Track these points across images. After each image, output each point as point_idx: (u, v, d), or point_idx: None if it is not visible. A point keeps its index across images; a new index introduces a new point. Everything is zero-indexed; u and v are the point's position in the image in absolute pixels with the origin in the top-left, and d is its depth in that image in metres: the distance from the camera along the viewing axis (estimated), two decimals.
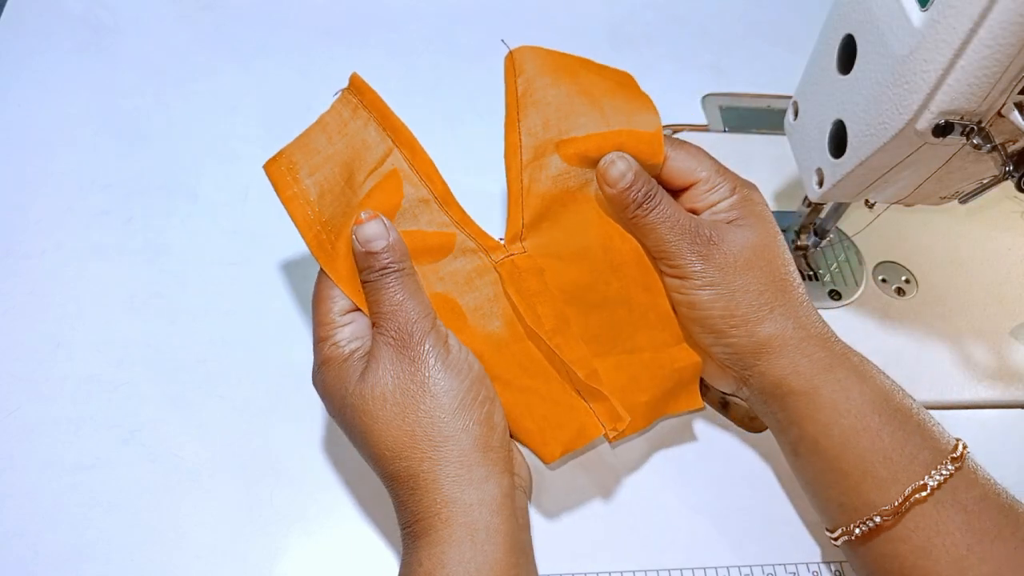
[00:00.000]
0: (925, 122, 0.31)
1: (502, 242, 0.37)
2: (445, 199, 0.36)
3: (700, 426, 0.42)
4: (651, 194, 0.37)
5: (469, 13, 0.59)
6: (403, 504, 0.32)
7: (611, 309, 0.38)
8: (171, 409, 0.39)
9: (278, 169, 0.35)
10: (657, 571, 0.37)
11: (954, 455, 0.33)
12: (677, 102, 0.56)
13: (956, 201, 0.38)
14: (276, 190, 0.35)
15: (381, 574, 0.36)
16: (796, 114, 0.41)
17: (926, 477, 0.32)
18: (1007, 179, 0.32)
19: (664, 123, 0.54)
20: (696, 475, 0.40)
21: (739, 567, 0.38)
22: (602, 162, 0.37)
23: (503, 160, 0.37)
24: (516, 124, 0.37)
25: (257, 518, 0.36)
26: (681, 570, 0.37)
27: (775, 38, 0.61)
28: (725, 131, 0.54)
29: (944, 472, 0.32)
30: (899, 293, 0.47)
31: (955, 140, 0.32)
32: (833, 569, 0.38)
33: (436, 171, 0.36)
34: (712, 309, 0.36)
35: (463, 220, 0.37)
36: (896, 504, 0.32)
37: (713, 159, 0.39)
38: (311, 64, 0.54)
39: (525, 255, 0.37)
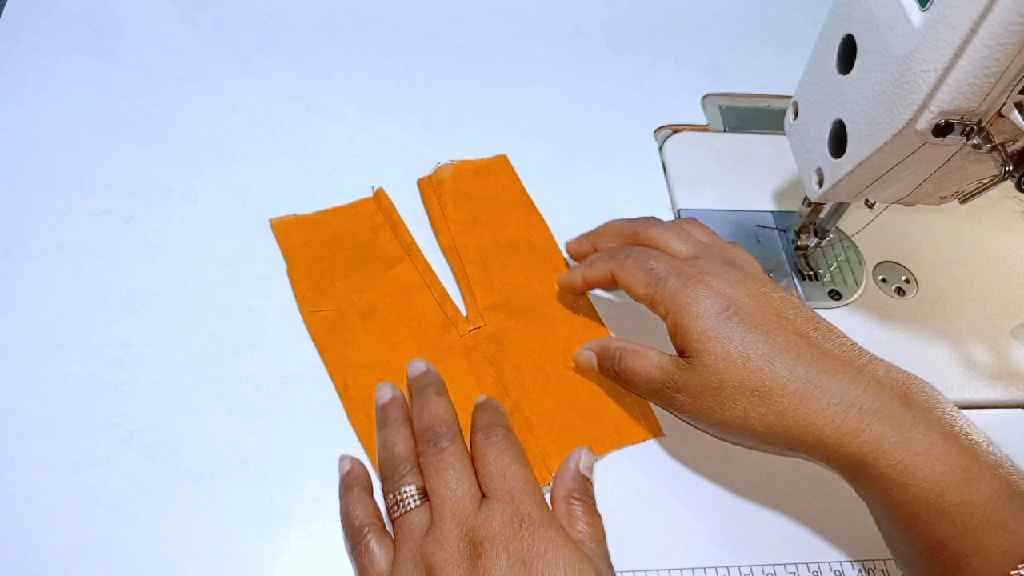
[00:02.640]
0: (925, 122, 0.31)
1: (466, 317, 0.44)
2: (428, 276, 0.44)
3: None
4: (617, 360, 0.39)
5: (469, 13, 0.59)
6: None
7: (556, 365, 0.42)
8: (171, 409, 0.39)
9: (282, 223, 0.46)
10: (657, 571, 0.37)
11: None
12: (677, 102, 0.56)
13: (956, 201, 0.38)
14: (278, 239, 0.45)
15: None
16: (796, 114, 0.41)
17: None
18: (1007, 179, 0.32)
19: (664, 123, 0.54)
20: (696, 475, 0.40)
21: (739, 567, 0.38)
22: (575, 355, 0.41)
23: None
24: (446, 228, 0.46)
25: (257, 518, 0.36)
26: (681, 570, 0.37)
27: (775, 38, 0.61)
28: (725, 131, 0.54)
29: None
30: (899, 293, 0.47)
31: (955, 140, 0.32)
32: (834, 569, 0.38)
33: (419, 251, 0.45)
34: (739, 435, 0.36)
35: (443, 299, 0.44)
36: None
37: (649, 265, 0.38)
38: (311, 64, 0.54)
39: (485, 327, 0.43)
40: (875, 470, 0.32)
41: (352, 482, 0.37)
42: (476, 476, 0.35)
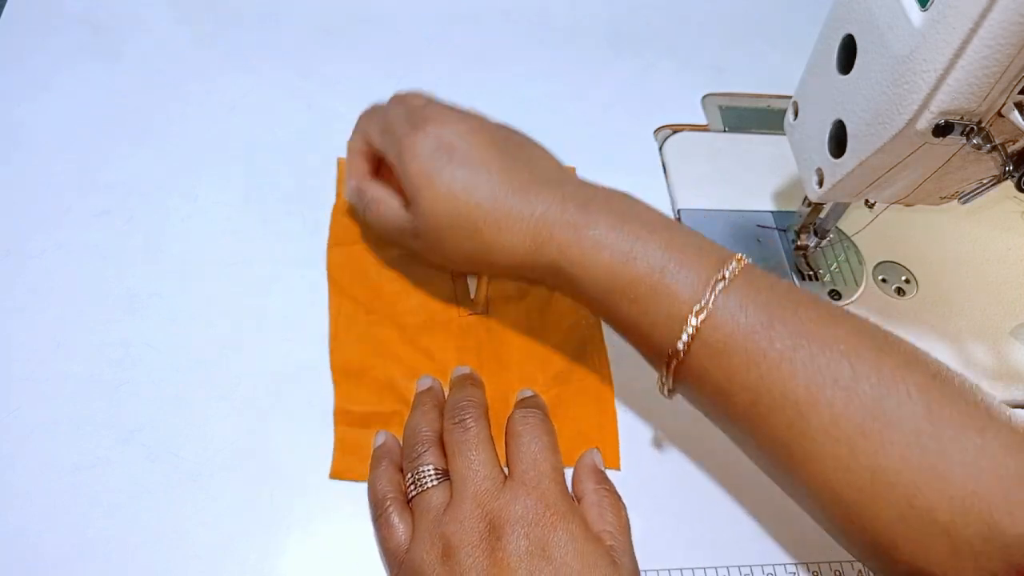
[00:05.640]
0: (925, 122, 0.31)
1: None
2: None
3: (700, 426, 0.42)
4: (368, 204, 0.40)
5: (469, 13, 0.59)
6: None
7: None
8: (171, 409, 0.39)
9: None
10: (657, 571, 0.37)
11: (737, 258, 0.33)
12: (677, 102, 0.56)
13: (956, 201, 0.38)
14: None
15: (381, 574, 0.36)
16: (796, 114, 0.41)
17: (723, 269, 0.32)
18: (1007, 179, 0.32)
19: (664, 123, 0.54)
20: (696, 475, 0.40)
21: (739, 567, 0.38)
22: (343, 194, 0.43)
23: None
24: None
25: (257, 518, 0.36)
26: (681, 570, 0.37)
27: (775, 38, 0.61)
28: (725, 131, 0.54)
29: (734, 267, 0.33)
30: (899, 293, 0.47)
31: (955, 140, 0.32)
32: (833, 569, 0.38)
33: None
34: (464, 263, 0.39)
35: (458, 277, 0.44)
36: (705, 299, 0.32)
37: (387, 116, 0.40)
38: (311, 64, 0.54)
39: (484, 316, 0.43)
40: (564, 273, 0.35)
41: (382, 455, 0.37)
42: (506, 453, 0.35)
